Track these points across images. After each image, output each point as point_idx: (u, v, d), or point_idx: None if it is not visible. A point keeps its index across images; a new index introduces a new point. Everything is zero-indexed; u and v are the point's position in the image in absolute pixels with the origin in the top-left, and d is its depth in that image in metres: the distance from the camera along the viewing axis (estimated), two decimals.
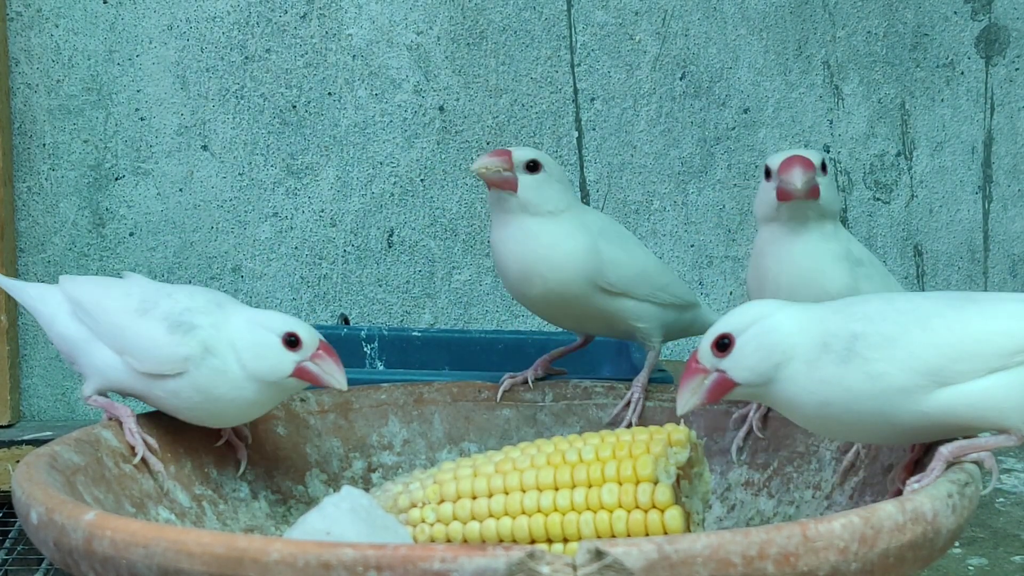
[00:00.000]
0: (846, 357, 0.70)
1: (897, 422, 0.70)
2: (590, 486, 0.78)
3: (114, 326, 0.84)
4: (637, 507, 0.77)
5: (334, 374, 0.83)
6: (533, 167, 0.89)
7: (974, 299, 0.72)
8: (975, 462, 0.70)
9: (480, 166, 0.88)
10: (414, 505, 0.82)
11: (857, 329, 0.70)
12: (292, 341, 0.82)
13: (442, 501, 0.82)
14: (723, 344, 0.72)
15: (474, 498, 0.81)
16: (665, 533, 0.75)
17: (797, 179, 0.81)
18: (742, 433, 0.89)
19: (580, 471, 0.79)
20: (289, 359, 0.82)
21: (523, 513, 0.79)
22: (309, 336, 0.82)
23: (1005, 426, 0.70)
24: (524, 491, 0.80)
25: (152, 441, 0.83)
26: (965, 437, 0.71)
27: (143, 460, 0.82)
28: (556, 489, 0.79)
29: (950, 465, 0.69)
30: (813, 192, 0.82)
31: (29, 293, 0.90)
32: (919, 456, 0.75)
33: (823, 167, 0.85)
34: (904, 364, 0.69)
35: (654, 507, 0.76)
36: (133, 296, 0.85)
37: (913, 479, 0.70)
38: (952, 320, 0.70)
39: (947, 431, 0.71)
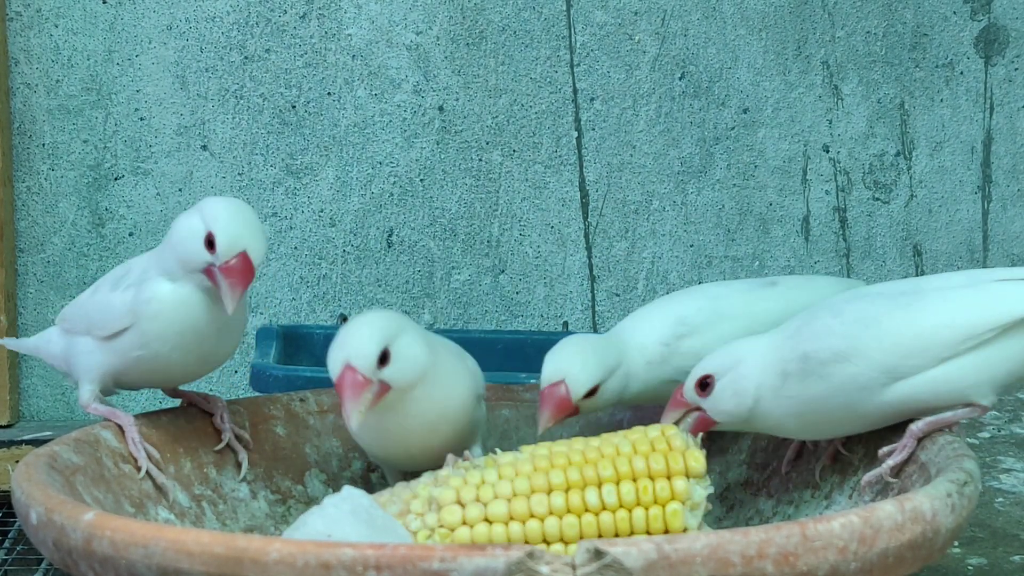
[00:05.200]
0: (802, 376, 0.77)
1: (864, 413, 0.77)
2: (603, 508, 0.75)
3: (81, 309, 0.87)
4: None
5: (226, 295, 0.79)
6: (384, 359, 0.78)
7: (920, 292, 0.78)
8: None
9: (355, 414, 0.76)
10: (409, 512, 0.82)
11: (807, 349, 0.77)
12: (209, 242, 0.79)
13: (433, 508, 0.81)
14: (705, 384, 0.79)
15: (462, 506, 0.80)
16: None
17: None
18: (791, 454, 0.87)
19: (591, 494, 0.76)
20: (203, 258, 0.80)
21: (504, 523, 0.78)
22: (227, 245, 0.79)
23: (968, 402, 0.76)
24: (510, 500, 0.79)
25: (155, 452, 0.82)
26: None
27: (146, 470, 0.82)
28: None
29: (920, 440, 0.75)
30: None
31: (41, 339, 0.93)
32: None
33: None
34: (859, 366, 0.75)
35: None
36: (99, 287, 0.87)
37: (885, 449, 0.76)
38: (899, 321, 0.76)
39: (913, 414, 0.76)
